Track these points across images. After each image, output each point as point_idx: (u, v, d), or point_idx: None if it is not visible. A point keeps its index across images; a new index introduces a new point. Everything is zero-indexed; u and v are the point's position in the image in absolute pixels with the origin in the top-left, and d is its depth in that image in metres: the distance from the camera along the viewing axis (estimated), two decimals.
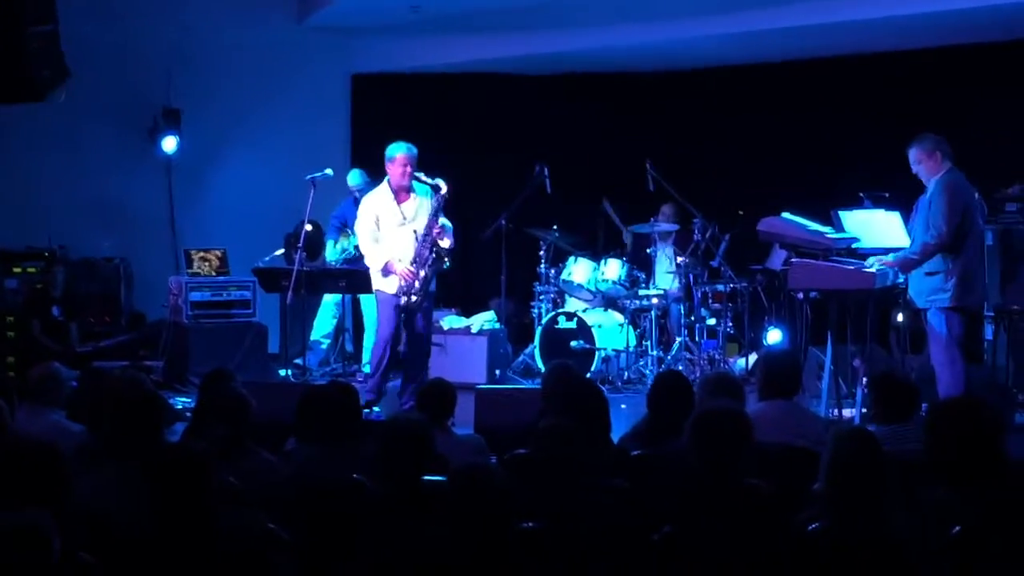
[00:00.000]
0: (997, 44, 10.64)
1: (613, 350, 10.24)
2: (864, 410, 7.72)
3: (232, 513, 4.08)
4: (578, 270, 10.53)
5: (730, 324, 10.64)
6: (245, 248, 10.77)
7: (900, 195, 8.27)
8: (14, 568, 3.41)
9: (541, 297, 10.74)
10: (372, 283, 8.54)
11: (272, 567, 3.98)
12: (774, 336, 10.18)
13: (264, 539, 4.03)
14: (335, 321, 10.96)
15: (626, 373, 10.20)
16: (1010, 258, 8.81)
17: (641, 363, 10.38)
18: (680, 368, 9.76)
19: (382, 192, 8.47)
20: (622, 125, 12.49)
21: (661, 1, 10.88)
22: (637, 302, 10.44)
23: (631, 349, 10.27)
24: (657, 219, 10.89)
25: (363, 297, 10.53)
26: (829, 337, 7.92)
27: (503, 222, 10.60)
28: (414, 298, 8.31)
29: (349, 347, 11.15)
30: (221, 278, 10.52)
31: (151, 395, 5.25)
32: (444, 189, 8.30)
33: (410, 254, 8.31)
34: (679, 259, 10.65)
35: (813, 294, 8.06)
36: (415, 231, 8.32)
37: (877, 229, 8.12)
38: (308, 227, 9.73)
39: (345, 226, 10.47)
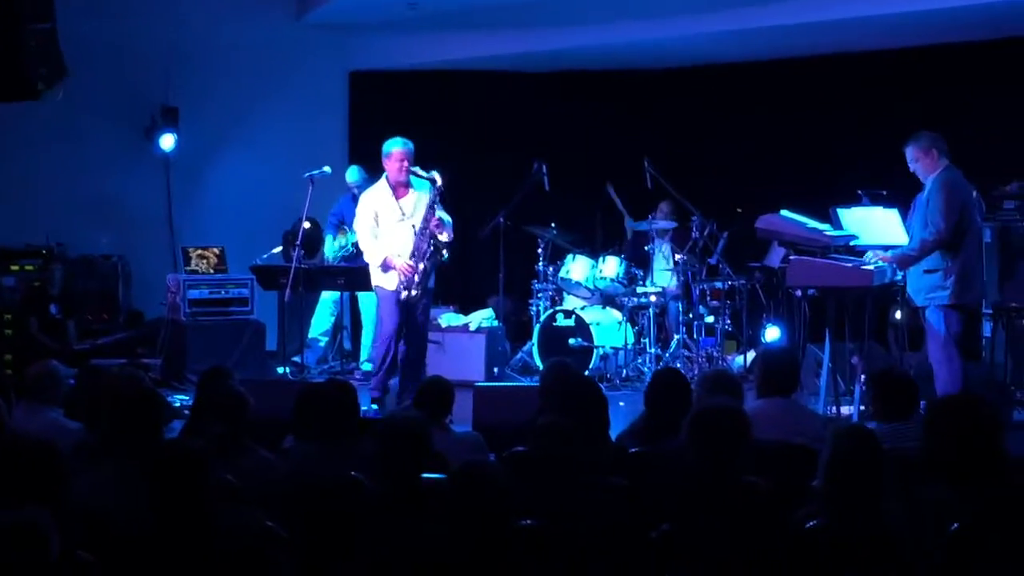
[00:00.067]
0: (995, 42, 10.65)
1: (611, 347, 10.24)
2: (862, 407, 7.73)
3: (230, 511, 4.08)
4: (576, 268, 10.53)
5: (728, 322, 10.63)
6: (243, 246, 10.77)
7: (898, 192, 8.28)
8: (12, 566, 3.40)
9: (539, 295, 10.74)
10: (371, 280, 8.54)
11: (270, 565, 3.97)
12: (772, 333, 10.18)
13: (262, 537, 4.03)
14: (333, 319, 10.96)
15: (624, 371, 10.20)
16: (1008, 255, 8.82)
17: (639, 361, 10.38)
18: (678, 366, 9.76)
19: (380, 188, 8.48)
20: (620, 122, 12.49)
21: None
22: (635, 299, 10.44)
23: (629, 347, 10.27)
24: (655, 216, 10.89)
25: (361, 295, 10.54)
26: (827, 334, 7.93)
27: (501, 220, 10.59)
28: (414, 292, 8.31)
29: (347, 345, 11.15)
30: (219, 276, 10.53)
31: (149, 393, 5.25)
32: (439, 181, 8.30)
33: (409, 249, 8.31)
34: (677, 256, 10.66)
35: (811, 291, 8.06)
36: (413, 226, 8.32)
37: (875, 226, 8.12)
38: (306, 225, 9.73)
39: (343, 223, 10.46)
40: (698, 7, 10.78)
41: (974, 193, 7.84)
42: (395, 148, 8.35)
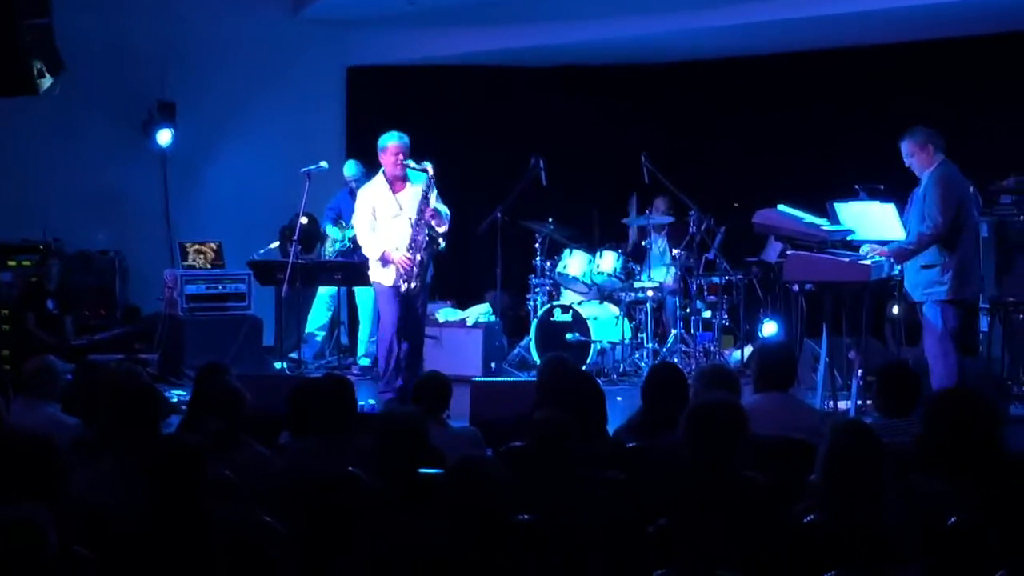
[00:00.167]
0: (992, 36, 10.64)
1: (608, 342, 10.25)
2: (859, 402, 7.74)
3: (227, 506, 4.08)
4: (573, 263, 10.53)
5: (725, 316, 10.64)
6: (240, 241, 10.78)
7: (895, 187, 8.28)
8: (10, 562, 3.40)
9: (537, 290, 10.74)
10: (370, 275, 8.53)
11: (267, 561, 3.97)
12: (769, 328, 10.18)
13: (259, 532, 4.03)
14: (330, 314, 10.95)
15: (621, 365, 10.21)
16: (1005, 250, 8.82)
17: (636, 355, 10.38)
18: (676, 360, 9.78)
19: (378, 183, 8.48)
20: (618, 118, 12.49)
21: None
22: (632, 294, 10.44)
23: (626, 341, 10.28)
24: (651, 213, 10.90)
25: (358, 290, 10.54)
26: (824, 329, 7.94)
27: (498, 215, 10.59)
28: (413, 284, 8.29)
29: (344, 340, 11.15)
30: (216, 271, 10.53)
31: (147, 388, 5.26)
32: (431, 171, 8.29)
33: (407, 242, 8.29)
34: (674, 251, 10.67)
35: (808, 286, 8.06)
36: (410, 218, 8.31)
37: (872, 221, 8.12)
38: (303, 220, 9.72)
39: (340, 218, 10.46)
40: (695, 2, 10.77)
41: (971, 188, 7.84)
42: (390, 142, 8.35)
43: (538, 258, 10.72)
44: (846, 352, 8.20)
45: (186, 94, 11.67)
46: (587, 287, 10.61)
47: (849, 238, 8.04)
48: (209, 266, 10.54)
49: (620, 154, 11.12)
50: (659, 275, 10.66)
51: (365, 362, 10.56)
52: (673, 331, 10.50)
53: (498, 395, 7.02)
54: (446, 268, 9.48)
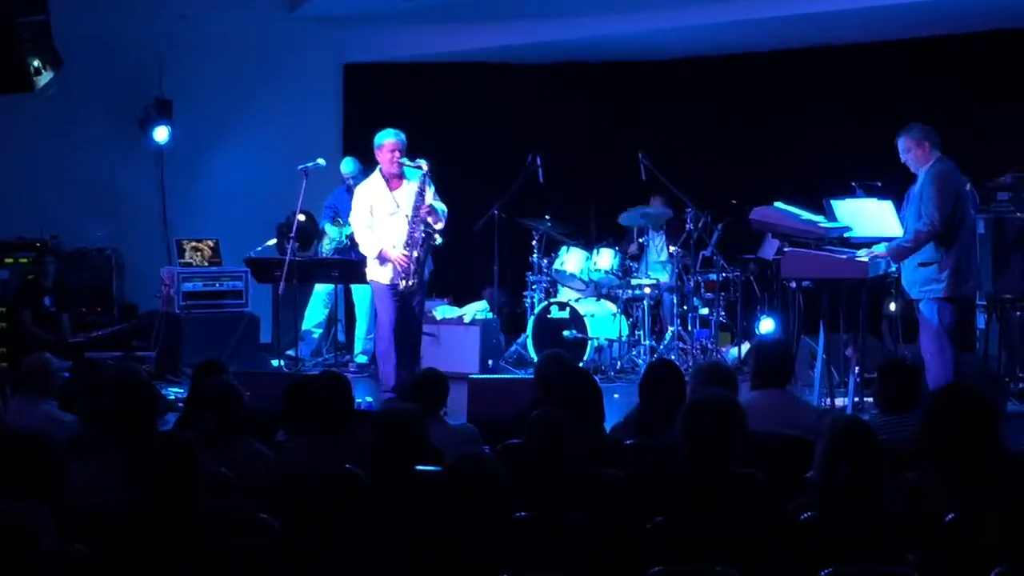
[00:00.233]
0: (989, 33, 10.65)
1: (606, 339, 10.24)
2: (856, 399, 7.74)
3: (224, 503, 4.07)
4: (571, 260, 10.52)
5: (723, 313, 10.64)
6: (237, 238, 10.77)
7: (892, 184, 8.28)
8: (7, 559, 3.40)
9: (534, 287, 10.73)
10: (367, 274, 8.52)
11: (264, 557, 3.97)
12: (767, 325, 10.18)
13: (255, 529, 4.02)
14: (326, 311, 10.94)
15: (619, 362, 10.21)
16: (1002, 247, 8.83)
17: (634, 352, 10.38)
18: (673, 357, 9.77)
19: (375, 181, 8.47)
20: (614, 115, 12.49)
21: None
22: (630, 291, 10.44)
23: (624, 338, 10.28)
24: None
25: (355, 287, 10.53)
26: (821, 326, 7.94)
27: (495, 212, 10.59)
28: (411, 282, 8.28)
29: (341, 337, 11.15)
30: (213, 268, 10.52)
31: (144, 385, 5.24)
32: (425, 167, 8.29)
33: (403, 240, 8.29)
34: (671, 248, 10.67)
35: (806, 283, 8.07)
36: (407, 215, 8.30)
37: (869, 218, 8.12)
38: (300, 217, 9.72)
39: (337, 215, 10.46)
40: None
41: (968, 185, 7.84)
42: (387, 139, 8.34)
43: (535, 255, 10.71)
44: (843, 349, 8.20)
45: (183, 91, 11.66)
46: (584, 284, 10.61)
47: (846, 235, 8.04)
48: (206, 263, 10.54)
49: (617, 151, 11.11)
50: (656, 272, 10.66)
51: (362, 359, 10.56)
52: (670, 328, 10.50)
53: (495, 392, 7.02)
54: (443, 265, 9.47)
